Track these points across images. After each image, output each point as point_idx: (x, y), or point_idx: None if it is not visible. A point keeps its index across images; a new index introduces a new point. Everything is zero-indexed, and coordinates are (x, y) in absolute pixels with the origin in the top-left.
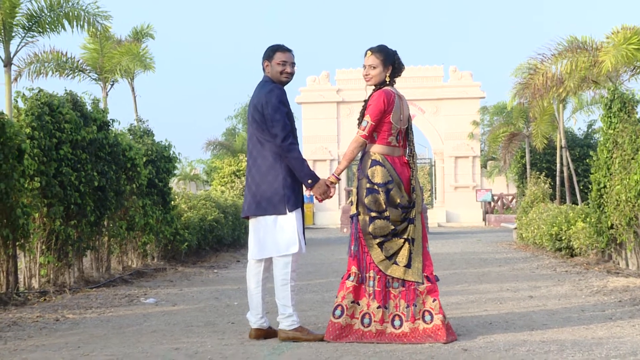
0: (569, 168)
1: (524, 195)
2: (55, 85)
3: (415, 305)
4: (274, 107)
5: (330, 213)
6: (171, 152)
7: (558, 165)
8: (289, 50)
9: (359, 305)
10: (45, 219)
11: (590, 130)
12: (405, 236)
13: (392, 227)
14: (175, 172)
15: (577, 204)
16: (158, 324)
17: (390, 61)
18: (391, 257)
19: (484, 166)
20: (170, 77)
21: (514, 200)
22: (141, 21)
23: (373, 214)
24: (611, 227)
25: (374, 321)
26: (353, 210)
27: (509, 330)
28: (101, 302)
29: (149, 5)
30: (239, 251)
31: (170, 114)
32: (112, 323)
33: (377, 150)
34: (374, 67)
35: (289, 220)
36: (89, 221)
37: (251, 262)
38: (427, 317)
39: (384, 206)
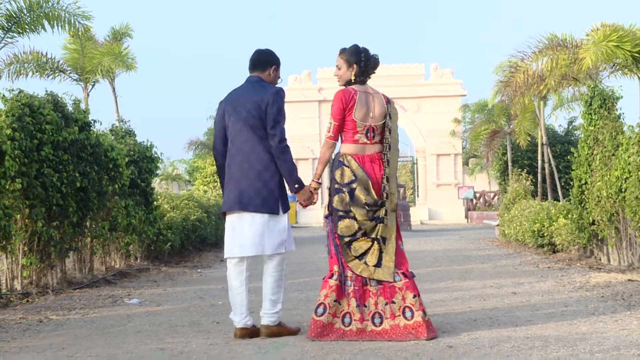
0: (550, 165)
1: (505, 192)
2: (36, 86)
3: (394, 302)
4: (279, 109)
5: (313, 212)
6: (153, 152)
7: (539, 162)
8: None
9: (340, 304)
10: (27, 221)
11: (570, 127)
12: (373, 235)
13: (358, 227)
14: (157, 172)
15: (559, 201)
16: (142, 325)
17: (354, 60)
18: (361, 257)
19: (465, 163)
20: (150, 77)
21: (496, 197)
22: (119, 21)
23: (340, 214)
24: (592, 223)
25: (354, 320)
26: (326, 211)
27: (493, 327)
28: (84, 303)
29: (126, 5)
30: (222, 251)
31: (150, 114)
32: (96, 324)
33: (344, 150)
34: (339, 68)
35: (283, 220)
36: (71, 222)
37: (233, 261)
38: (408, 314)
39: (349, 206)
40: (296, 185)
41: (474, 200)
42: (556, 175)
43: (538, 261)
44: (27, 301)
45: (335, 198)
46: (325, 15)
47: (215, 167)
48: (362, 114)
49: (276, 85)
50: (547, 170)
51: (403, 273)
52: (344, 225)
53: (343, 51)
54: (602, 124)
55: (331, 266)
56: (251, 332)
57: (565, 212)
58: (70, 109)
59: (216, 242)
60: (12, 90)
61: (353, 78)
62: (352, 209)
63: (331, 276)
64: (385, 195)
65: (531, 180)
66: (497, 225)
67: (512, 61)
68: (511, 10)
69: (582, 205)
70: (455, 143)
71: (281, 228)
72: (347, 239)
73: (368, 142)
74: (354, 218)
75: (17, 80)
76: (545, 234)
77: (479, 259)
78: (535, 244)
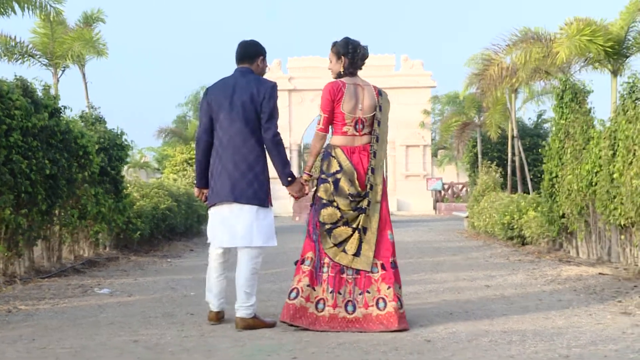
0: (520, 158)
1: (475, 184)
2: (3, 71)
3: (369, 292)
4: (274, 102)
5: (282, 201)
6: (123, 140)
7: (509, 154)
8: None
9: (315, 290)
10: None
11: (540, 120)
12: (354, 225)
13: (340, 215)
14: (127, 160)
15: (529, 193)
16: (114, 316)
17: (342, 52)
18: (340, 245)
19: (434, 155)
20: (118, 63)
21: (464, 188)
22: (90, 5)
23: (324, 202)
24: (562, 216)
25: (327, 306)
26: (311, 200)
27: (469, 320)
28: (54, 292)
29: None
30: (191, 240)
31: (118, 100)
32: (66, 314)
33: (333, 141)
34: (330, 61)
35: (269, 214)
36: (40, 210)
37: (217, 250)
38: (381, 304)
39: (332, 196)
40: (289, 179)
41: (442, 192)
42: (526, 168)
43: (508, 253)
44: None
45: (321, 187)
46: (295, 5)
47: (186, 156)
48: (350, 106)
49: (264, 76)
50: (517, 163)
51: (382, 264)
52: (326, 213)
53: (334, 44)
54: (573, 117)
55: (304, 252)
56: (223, 317)
57: (535, 205)
58: (39, 94)
59: (185, 232)
60: None
61: (342, 70)
62: (335, 198)
63: (303, 261)
64: (369, 186)
65: (500, 172)
66: (467, 217)
67: (486, 54)
68: (483, 2)
69: (553, 198)
70: (424, 134)
71: (269, 221)
72: (327, 226)
73: (357, 133)
74: (337, 207)
75: None
76: (515, 227)
77: (450, 250)
78: (504, 236)
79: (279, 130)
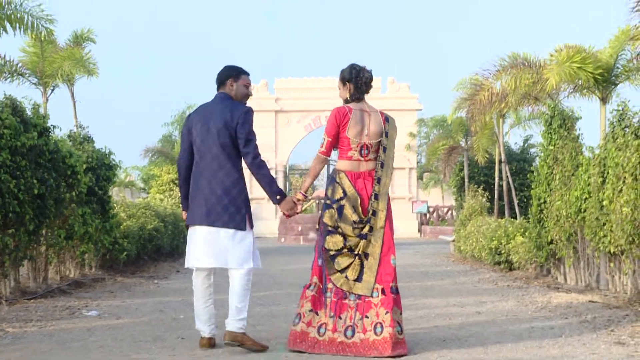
0: (508, 183)
1: (462, 208)
2: None
3: (368, 317)
4: (249, 127)
5: (267, 222)
6: (111, 160)
7: (497, 179)
8: (249, 74)
9: (317, 315)
10: None
11: (526, 144)
12: (356, 251)
13: (344, 243)
14: (114, 180)
15: (516, 218)
16: (104, 339)
17: (347, 79)
18: (342, 271)
19: (420, 178)
20: (101, 81)
21: (450, 212)
22: (78, 25)
23: (329, 229)
24: (551, 242)
25: (328, 330)
26: (317, 224)
27: (463, 348)
28: (41, 314)
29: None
30: (177, 261)
31: (102, 118)
32: (55, 337)
33: (338, 166)
34: (339, 88)
35: (249, 236)
36: (27, 230)
37: (202, 273)
38: (378, 329)
39: (336, 222)
40: (278, 197)
41: (428, 215)
42: (513, 193)
43: (496, 279)
44: None
45: (326, 213)
46: (282, 26)
47: (172, 176)
48: (355, 131)
49: (247, 100)
50: (505, 188)
51: (382, 289)
52: (332, 240)
53: (340, 72)
54: (562, 143)
55: (312, 275)
56: (215, 343)
57: (522, 230)
58: (29, 113)
59: (171, 252)
60: None
61: (349, 96)
62: (339, 224)
63: (309, 286)
64: (371, 212)
65: (487, 197)
66: (453, 240)
67: (475, 79)
68: (468, 27)
69: (541, 223)
70: (410, 157)
71: (247, 243)
72: (332, 253)
73: (362, 159)
74: (342, 234)
75: None
76: (503, 252)
77: (438, 275)
78: (492, 261)
79: (259, 152)
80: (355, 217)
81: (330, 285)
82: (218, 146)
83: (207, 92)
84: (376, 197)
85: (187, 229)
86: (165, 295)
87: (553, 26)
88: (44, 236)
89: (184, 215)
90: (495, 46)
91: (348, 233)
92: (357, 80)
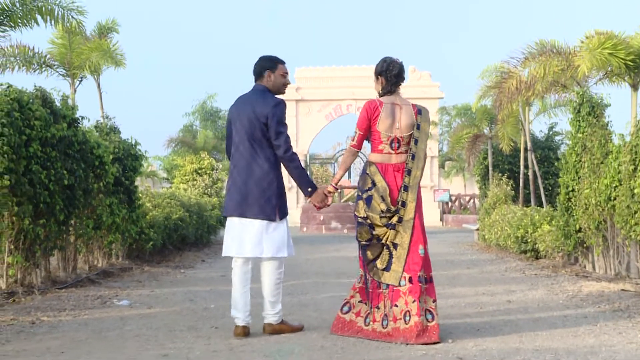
0: (534, 171)
1: (486, 196)
2: (20, 81)
3: (397, 306)
4: (279, 120)
5: (289, 212)
6: (137, 150)
7: (522, 167)
8: (285, 63)
9: (366, 305)
10: (14, 218)
11: (551, 132)
12: (383, 241)
13: (373, 232)
14: (140, 170)
15: (542, 207)
16: (139, 328)
17: (378, 72)
18: (373, 261)
19: (441, 166)
20: (123, 72)
21: (472, 200)
22: (100, 15)
23: (359, 220)
24: (579, 230)
25: (372, 321)
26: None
27: (498, 337)
28: (74, 304)
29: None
30: (202, 250)
31: (124, 109)
32: (90, 326)
33: (370, 158)
34: (374, 81)
35: (281, 226)
36: (57, 220)
37: (239, 262)
38: (407, 317)
39: (364, 212)
40: (309, 189)
41: (449, 204)
42: (540, 181)
43: (523, 267)
44: (14, 301)
45: (358, 204)
46: (302, 15)
47: (195, 166)
48: (386, 125)
49: (285, 89)
50: (531, 176)
51: (410, 278)
52: (362, 230)
53: (375, 65)
54: (591, 131)
55: (360, 267)
56: (249, 332)
57: (549, 218)
58: (58, 104)
59: (196, 242)
60: (1, 84)
61: (381, 89)
62: (368, 214)
63: (359, 278)
64: (400, 203)
65: (512, 185)
66: (477, 229)
67: (503, 66)
68: (491, 15)
69: (569, 212)
70: (431, 145)
71: (280, 233)
72: (363, 243)
73: (392, 152)
74: (370, 225)
75: (2, 75)
76: (529, 240)
77: (464, 264)
78: (518, 250)
79: (291, 144)
80: (383, 207)
81: (368, 277)
82: (249, 138)
83: (227, 82)
84: (405, 189)
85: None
86: (193, 284)
87: (580, 13)
88: (73, 226)
89: None
90: (518, 34)
91: (376, 222)
92: (387, 74)
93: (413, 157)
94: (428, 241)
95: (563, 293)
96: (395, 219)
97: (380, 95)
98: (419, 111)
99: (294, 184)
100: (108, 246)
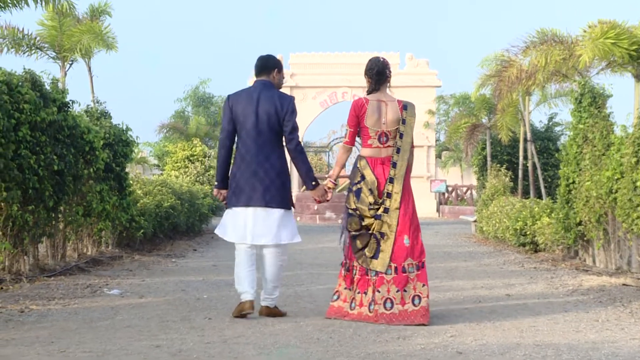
0: (534, 162)
1: (484, 187)
2: (10, 63)
3: (379, 292)
4: (296, 115)
5: None
6: (129, 136)
7: (521, 158)
8: None
9: (350, 291)
10: (2, 204)
11: (550, 123)
12: (371, 231)
13: (362, 223)
14: (132, 156)
15: (541, 199)
16: (131, 318)
17: (365, 72)
18: (362, 249)
19: (438, 156)
20: (114, 56)
21: (469, 191)
22: None
23: (350, 211)
24: (579, 223)
25: (356, 305)
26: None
27: (498, 331)
28: (63, 292)
29: None
30: (193, 239)
31: (113, 94)
32: (80, 316)
33: (361, 153)
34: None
35: (291, 215)
36: (46, 206)
37: (244, 247)
38: (388, 305)
39: (354, 204)
40: (313, 183)
41: (446, 194)
42: (539, 173)
43: (522, 260)
44: (2, 289)
45: (348, 196)
46: (298, 0)
47: (187, 152)
48: (372, 120)
49: (281, 87)
50: (530, 167)
51: (395, 268)
52: (352, 221)
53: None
54: (592, 122)
55: (344, 257)
56: (254, 306)
57: (548, 210)
58: (48, 88)
59: (187, 231)
60: None
61: (369, 88)
62: (358, 206)
63: (344, 265)
64: (385, 194)
65: (510, 176)
66: (475, 221)
67: (503, 55)
68: (490, 2)
69: (569, 205)
70: (428, 135)
71: (292, 221)
72: (353, 233)
73: (381, 145)
74: (360, 216)
75: None
76: (528, 233)
77: (461, 256)
78: (516, 242)
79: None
80: (371, 199)
81: (355, 264)
82: (269, 131)
83: (222, 66)
84: (391, 181)
85: (230, 208)
86: (185, 274)
87: (582, 1)
88: (63, 213)
89: (216, 192)
90: (519, 23)
91: (365, 214)
92: (370, 73)
93: (398, 151)
94: (422, 233)
95: (563, 287)
96: (381, 210)
97: (368, 93)
98: (405, 106)
99: None
100: (98, 234)
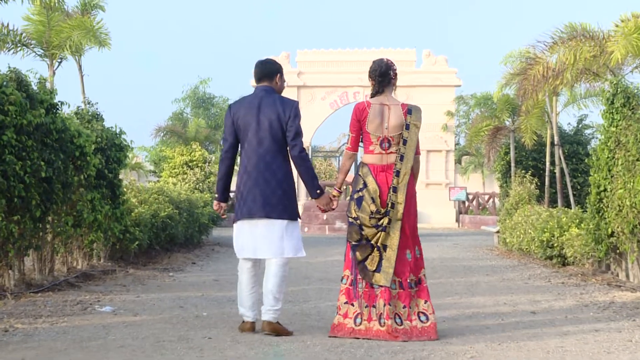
0: (561, 168)
1: (507, 195)
2: None
3: (390, 305)
4: (299, 121)
5: None
6: (122, 140)
7: (547, 163)
8: None
9: (353, 306)
10: None
11: (580, 125)
12: (373, 242)
13: (362, 233)
14: (125, 162)
15: (570, 208)
16: (124, 338)
17: (369, 75)
18: (363, 262)
19: (458, 162)
20: (106, 54)
21: (491, 199)
22: None
23: (350, 220)
24: (611, 234)
25: (363, 320)
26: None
27: (522, 352)
28: (51, 309)
29: None
30: (192, 252)
31: (106, 94)
32: (70, 335)
33: (363, 159)
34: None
35: (297, 226)
36: (33, 217)
37: (247, 264)
38: (398, 320)
39: (355, 213)
40: (317, 191)
41: (467, 203)
42: (568, 179)
43: (549, 275)
44: None
45: (350, 205)
46: None
47: (186, 158)
48: (374, 125)
49: (282, 90)
50: (558, 174)
51: (400, 283)
52: (352, 230)
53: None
54: (625, 124)
55: (344, 268)
56: (255, 327)
57: (577, 221)
58: (35, 88)
59: (185, 242)
60: None
61: (372, 91)
62: (358, 215)
63: (342, 280)
64: (389, 204)
65: (536, 183)
66: (497, 232)
67: (528, 51)
68: None
69: (600, 214)
70: (447, 138)
71: (297, 233)
72: (353, 244)
73: (383, 152)
74: (360, 225)
75: None
76: (555, 245)
77: (482, 270)
78: (543, 255)
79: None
80: (373, 208)
81: (358, 277)
82: (271, 139)
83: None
84: (394, 190)
85: (235, 222)
86: (183, 289)
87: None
88: (51, 224)
89: (216, 205)
90: (545, 17)
91: (365, 223)
92: (373, 75)
93: (402, 159)
94: (440, 244)
95: (594, 304)
96: (385, 221)
97: (371, 96)
98: (409, 111)
99: None
100: (89, 246)
